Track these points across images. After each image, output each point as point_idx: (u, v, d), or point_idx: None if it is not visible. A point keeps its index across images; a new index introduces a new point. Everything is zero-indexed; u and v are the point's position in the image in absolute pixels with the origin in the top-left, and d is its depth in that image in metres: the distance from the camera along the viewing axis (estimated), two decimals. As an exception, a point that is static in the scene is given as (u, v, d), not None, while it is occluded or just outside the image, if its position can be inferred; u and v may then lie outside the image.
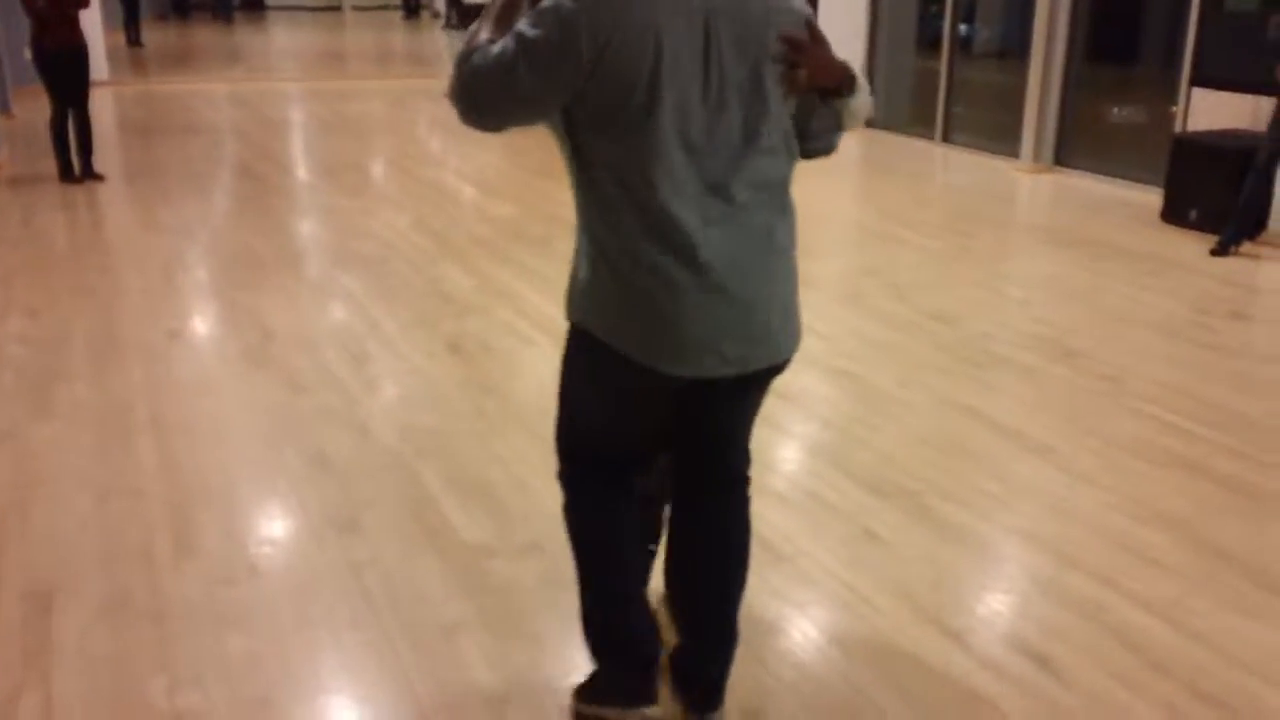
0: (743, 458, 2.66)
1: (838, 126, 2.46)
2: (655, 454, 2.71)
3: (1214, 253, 7.09)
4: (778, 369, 2.44)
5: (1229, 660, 2.98)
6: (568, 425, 2.60)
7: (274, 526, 3.66)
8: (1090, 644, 3.05)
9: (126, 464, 4.07)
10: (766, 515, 3.69)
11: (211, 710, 2.77)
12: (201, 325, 5.64)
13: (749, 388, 2.49)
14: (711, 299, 2.25)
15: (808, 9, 2.35)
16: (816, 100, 2.38)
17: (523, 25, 2.18)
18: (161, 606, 3.20)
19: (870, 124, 12.02)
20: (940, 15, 10.99)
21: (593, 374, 2.45)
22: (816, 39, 2.29)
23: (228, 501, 3.81)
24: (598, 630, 2.66)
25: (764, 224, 2.31)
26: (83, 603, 3.22)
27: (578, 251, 2.37)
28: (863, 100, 2.40)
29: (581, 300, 2.36)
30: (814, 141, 2.46)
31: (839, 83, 2.33)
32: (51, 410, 4.54)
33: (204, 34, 23.68)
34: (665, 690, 2.69)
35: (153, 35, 21.69)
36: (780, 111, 2.30)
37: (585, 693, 2.73)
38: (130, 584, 3.31)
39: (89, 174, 8.94)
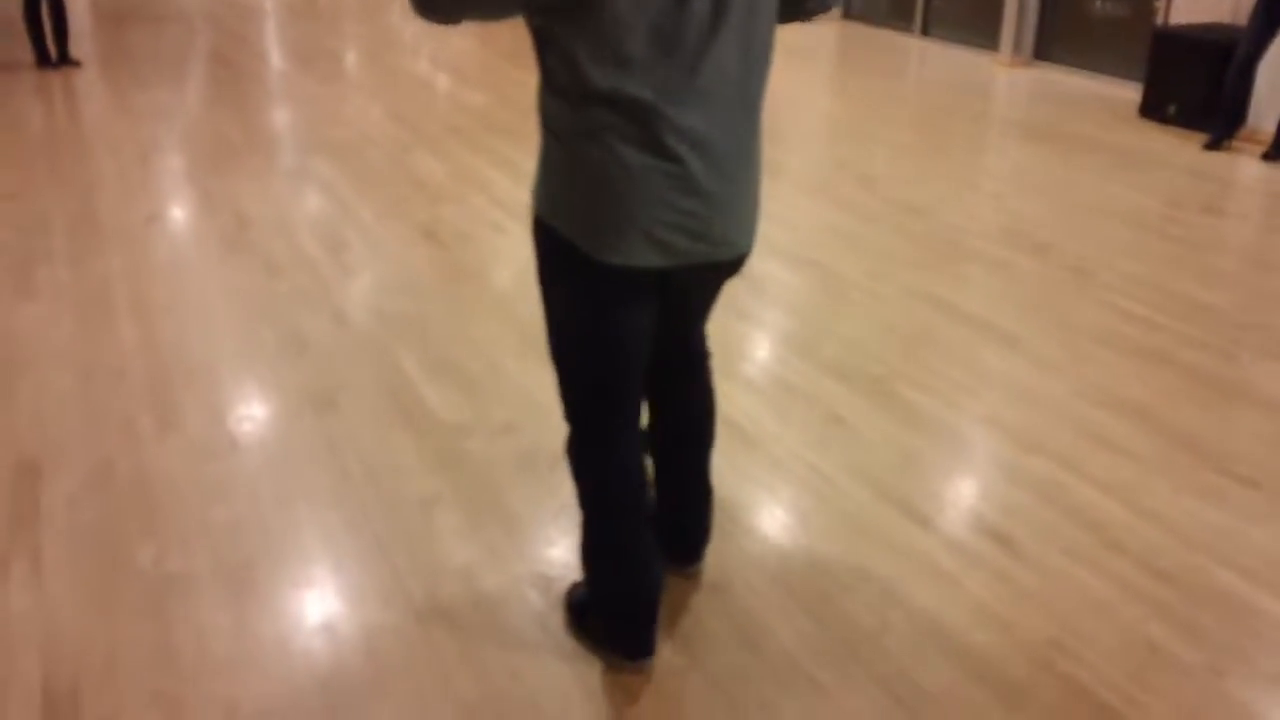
0: (701, 341, 2.67)
1: None
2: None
3: (1207, 147, 7.11)
4: (736, 265, 2.33)
5: (1182, 540, 3.08)
6: (563, 352, 2.39)
7: (253, 404, 3.72)
8: (1049, 524, 3.14)
9: (108, 344, 4.11)
10: (735, 399, 3.76)
11: (198, 574, 2.86)
12: (178, 210, 5.64)
13: (706, 282, 2.41)
14: (673, 189, 2.10)
15: None
16: None
17: None
18: (146, 479, 3.27)
19: (846, 15, 11.93)
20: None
21: (566, 275, 2.26)
22: None
23: (208, 380, 3.86)
24: (600, 575, 2.57)
25: (732, 116, 2.14)
26: (70, 475, 3.29)
27: (542, 143, 2.20)
28: None
29: (544, 191, 2.22)
30: (809, 1, 2.31)
31: None
32: (33, 292, 4.56)
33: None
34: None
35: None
36: None
37: (582, 619, 2.67)
38: (115, 458, 3.38)
39: (65, 60, 8.84)
